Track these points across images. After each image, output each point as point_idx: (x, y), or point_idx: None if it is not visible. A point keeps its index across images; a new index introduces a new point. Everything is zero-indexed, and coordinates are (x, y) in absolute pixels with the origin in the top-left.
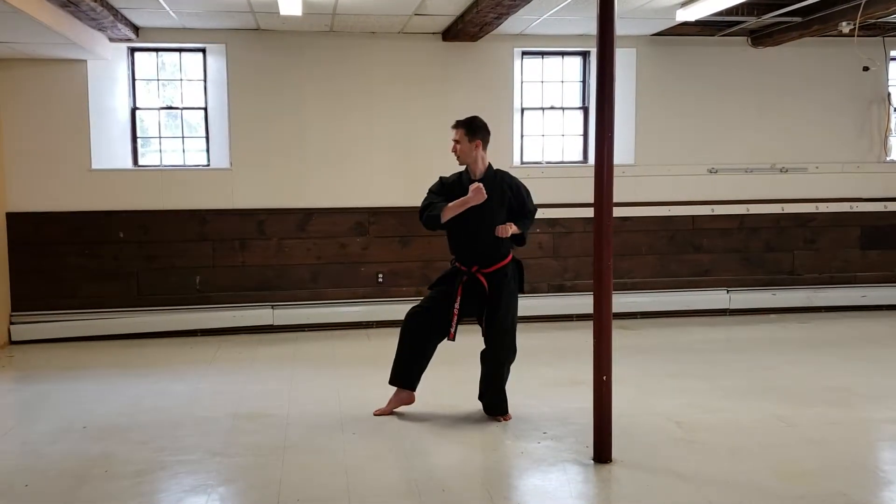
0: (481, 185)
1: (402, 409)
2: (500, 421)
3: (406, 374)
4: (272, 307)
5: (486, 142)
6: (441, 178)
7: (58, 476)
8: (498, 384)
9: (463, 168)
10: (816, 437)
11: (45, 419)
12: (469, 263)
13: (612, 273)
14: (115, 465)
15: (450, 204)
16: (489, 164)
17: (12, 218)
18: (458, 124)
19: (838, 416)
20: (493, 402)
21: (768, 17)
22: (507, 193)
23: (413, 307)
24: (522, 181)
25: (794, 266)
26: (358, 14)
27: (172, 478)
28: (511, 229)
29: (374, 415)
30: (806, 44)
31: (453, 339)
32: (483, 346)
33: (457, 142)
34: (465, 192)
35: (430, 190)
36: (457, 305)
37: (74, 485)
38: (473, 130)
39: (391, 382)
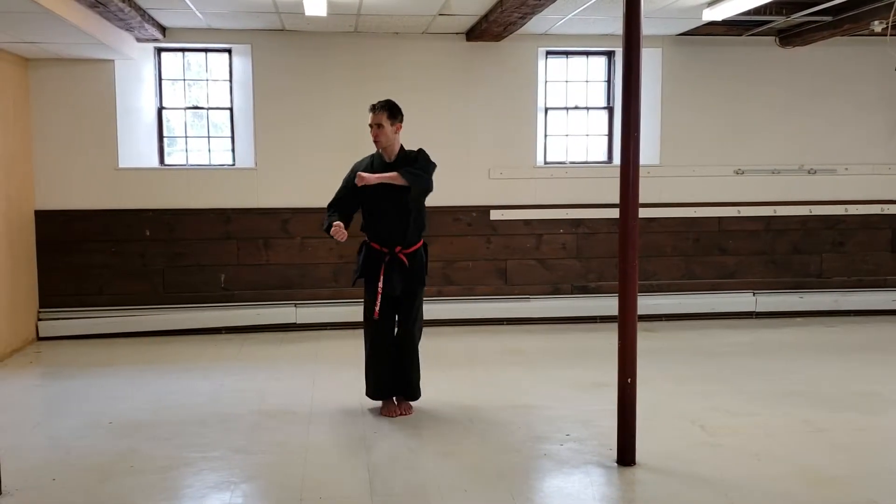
0: (362, 174)
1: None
2: (406, 414)
3: (381, 386)
4: (295, 305)
5: (402, 123)
6: (354, 164)
7: (84, 471)
8: (417, 363)
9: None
10: (845, 442)
11: (72, 415)
12: (390, 244)
13: (637, 275)
14: (140, 461)
15: (334, 224)
16: (401, 145)
17: (40, 216)
18: (379, 108)
19: (867, 421)
20: (415, 383)
21: (797, 17)
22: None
23: (366, 317)
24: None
25: (821, 269)
26: (382, 14)
27: (196, 474)
28: (370, 179)
29: (382, 415)
30: (836, 43)
31: (377, 318)
32: (397, 332)
33: (379, 126)
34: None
35: (343, 181)
36: (381, 285)
37: (100, 479)
38: (395, 114)
39: (372, 397)
